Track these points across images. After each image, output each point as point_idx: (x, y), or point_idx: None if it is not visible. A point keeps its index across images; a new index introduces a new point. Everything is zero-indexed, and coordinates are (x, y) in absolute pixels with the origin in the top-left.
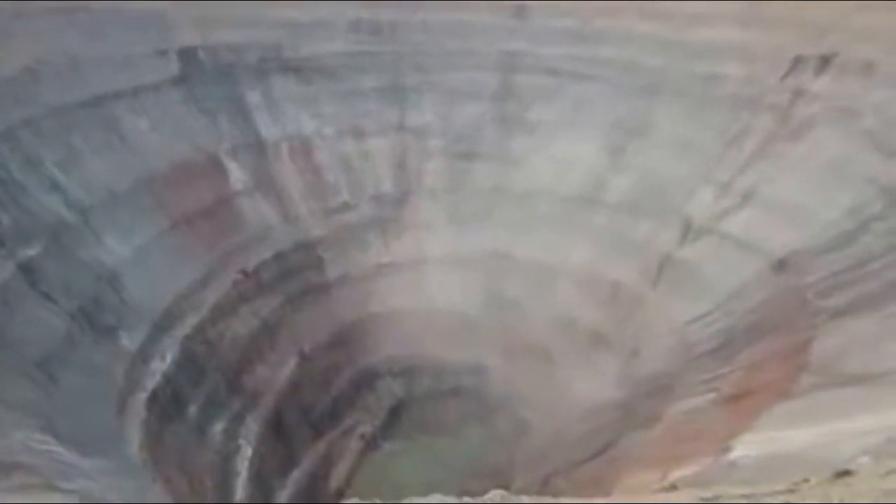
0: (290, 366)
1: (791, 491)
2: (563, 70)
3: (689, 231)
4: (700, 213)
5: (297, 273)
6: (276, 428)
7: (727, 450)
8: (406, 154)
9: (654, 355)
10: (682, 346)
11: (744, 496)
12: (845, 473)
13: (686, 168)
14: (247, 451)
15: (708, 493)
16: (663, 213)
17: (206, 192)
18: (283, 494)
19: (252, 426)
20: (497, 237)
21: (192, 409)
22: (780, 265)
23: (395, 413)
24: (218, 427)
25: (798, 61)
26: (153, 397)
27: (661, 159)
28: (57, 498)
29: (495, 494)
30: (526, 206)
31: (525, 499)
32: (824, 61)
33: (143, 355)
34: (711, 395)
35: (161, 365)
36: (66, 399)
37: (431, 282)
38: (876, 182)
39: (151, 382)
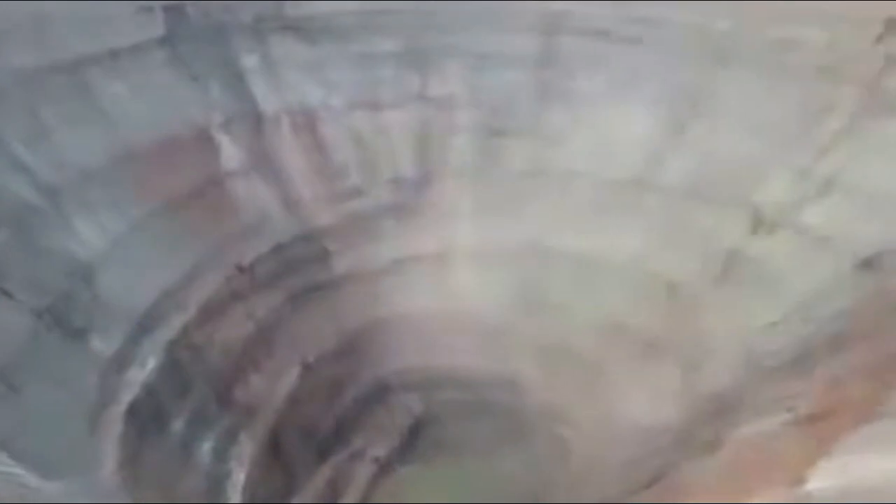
0: (290, 376)
1: None
2: (614, 33)
3: (760, 223)
4: (773, 202)
5: (300, 268)
6: (274, 449)
7: (802, 481)
8: (428, 129)
9: (718, 368)
10: (750, 357)
11: None
12: None
13: (757, 148)
14: (239, 476)
15: None
16: (730, 201)
17: (195, 172)
18: None
19: (246, 446)
20: (534, 227)
21: (177, 426)
22: (867, 264)
23: (414, 433)
24: (206, 447)
25: (893, 23)
26: (131, 410)
27: (727, 138)
28: None
29: None
30: (568, 190)
31: None
32: None
33: (120, 362)
34: (785, 416)
35: (140, 373)
36: (31, 413)
37: (457, 279)
38: None
39: (129, 394)
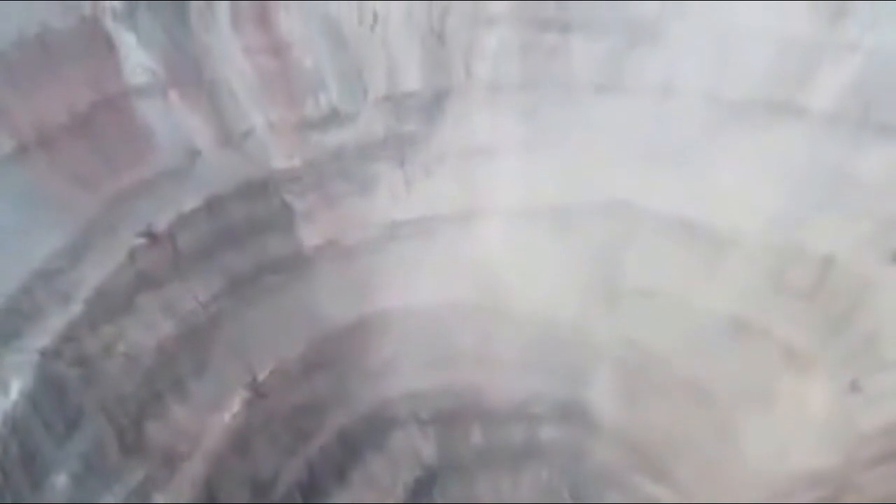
0: (231, 407)
1: None
2: None
3: None
4: None
5: (247, 238)
6: None
7: None
8: (444, 18)
9: (892, 390)
10: None
11: None
12: None
13: None
14: None
15: None
16: None
17: (80, 87)
18: None
19: None
20: (610, 173)
21: (60, 481)
22: None
23: (424, 491)
24: None
25: None
26: None
27: None
28: None
29: None
30: (664, 115)
31: None
32: None
33: None
34: None
35: (2, 401)
36: None
37: (491, 253)
38: None
39: None
